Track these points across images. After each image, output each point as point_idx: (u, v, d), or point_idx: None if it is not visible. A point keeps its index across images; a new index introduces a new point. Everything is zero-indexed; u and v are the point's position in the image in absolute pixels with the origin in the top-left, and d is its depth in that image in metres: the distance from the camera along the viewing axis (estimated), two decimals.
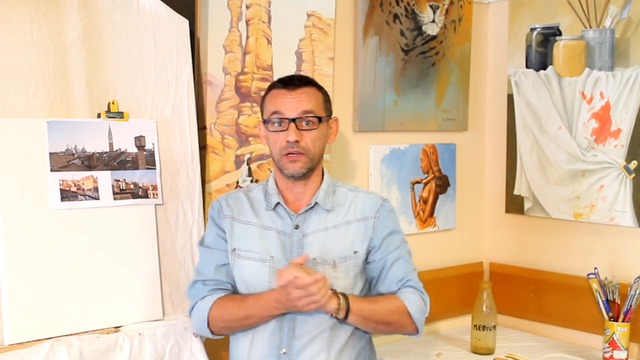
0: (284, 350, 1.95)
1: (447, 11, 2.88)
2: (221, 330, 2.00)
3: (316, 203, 2.00)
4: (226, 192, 2.27)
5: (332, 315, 1.91)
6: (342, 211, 2.02)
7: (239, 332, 2.02)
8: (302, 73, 2.44)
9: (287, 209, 2.00)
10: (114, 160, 2.05)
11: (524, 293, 2.95)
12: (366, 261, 2.02)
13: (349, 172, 2.68)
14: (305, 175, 1.97)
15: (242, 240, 2.00)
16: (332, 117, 2.04)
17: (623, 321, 2.50)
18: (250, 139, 2.35)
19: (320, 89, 2.01)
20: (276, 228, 1.99)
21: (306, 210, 2.00)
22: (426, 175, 2.90)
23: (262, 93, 2.06)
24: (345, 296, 1.91)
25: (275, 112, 1.95)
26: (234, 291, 2.03)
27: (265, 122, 1.98)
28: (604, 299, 2.55)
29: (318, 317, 1.95)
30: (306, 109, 1.94)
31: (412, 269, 2.06)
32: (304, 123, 1.93)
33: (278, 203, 2.00)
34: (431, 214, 2.93)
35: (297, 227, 1.99)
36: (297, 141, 1.92)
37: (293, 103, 1.94)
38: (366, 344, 2.08)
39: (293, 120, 1.92)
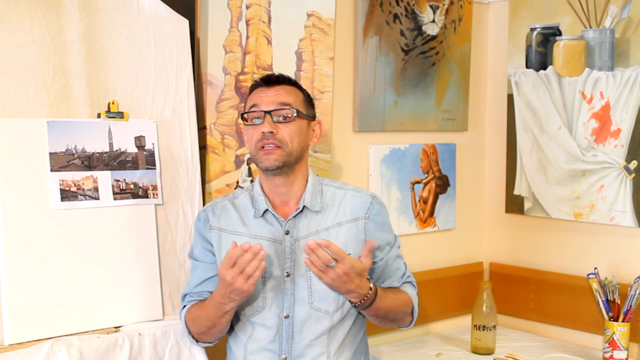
0: (284, 356, 1.95)
1: (447, 11, 2.88)
2: (202, 339, 2.00)
3: (304, 206, 1.97)
4: (225, 192, 2.27)
5: (351, 302, 1.91)
6: (332, 212, 1.99)
7: (233, 339, 2.02)
8: (302, 73, 2.45)
9: (276, 216, 1.97)
10: (114, 160, 2.05)
11: (524, 293, 2.95)
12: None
13: (349, 172, 2.68)
14: (282, 171, 1.94)
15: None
16: (315, 119, 2.02)
17: (623, 321, 2.50)
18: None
19: (301, 89, 2.01)
20: (266, 236, 1.97)
21: (295, 215, 1.97)
22: (426, 175, 2.90)
23: None
24: (375, 289, 1.91)
25: (252, 106, 1.95)
26: None
27: (243, 117, 1.97)
28: (604, 299, 2.55)
29: (316, 321, 1.94)
30: (283, 101, 1.93)
31: (404, 263, 2.10)
32: (281, 117, 1.92)
33: (266, 210, 1.98)
34: (431, 214, 2.93)
35: (287, 232, 1.96)
36: (272, 132, 1.90)
37: (270, 97, 1.93)
38: (362, 339, 2.08)
39: (269, 112, 1.91)
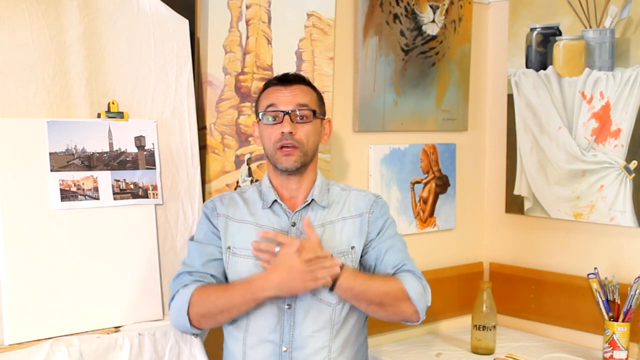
0: (284, 348, 1.95)
1: (447, 11, 2.88)
2: (200, 321, 1.94)
3: (313, 200, 2.01)
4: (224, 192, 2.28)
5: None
6: (337, 208, 2.04)
7: (229, 337, 2.01)
8: (302, 73, 2.44)
9: (283, 207, 2.00)
10: (114, 160, 2.05)
11: (524, 293, 2.95)
12: (362, 254, 2.03)
13: (349, 172, 2.68)
14: (299, 170, 1.98)
15: (237, 238, 2.00)
16: (325, 118, 2.06)
17: (623, 321, 2.50)
18: (250, 139, 2.35)
19: (314, 88, 2.04)
20: (273, 226, 1.99)
21: (303, 207, 2.01)
22: (426, 175, 2.90)
23: None
24: (340, 268, 1.90)
25: (270, 106, 1.97)
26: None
27: (259, 117, 1.99)
28: (604, 299, 2.55)
29: (318, 312, 1.95)
30: (301, 102, 1.96)
31: (408, 256, 2.06)
32: (298, 117, 1.95)
33: (275, 201, 2.01)
34: (431, 214, 2.93)
35: (294, 224, 1.99)
36: (291, 133, 1.93)
37: (288, 97, 1.96)
38: (364, 341, 2.09)
39: (288, 112, 1.94)
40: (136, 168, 2.08)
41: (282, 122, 1.94)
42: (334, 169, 2.60)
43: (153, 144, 2.12)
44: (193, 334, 2.03)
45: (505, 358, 2.61)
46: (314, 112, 1.98)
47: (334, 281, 1.89)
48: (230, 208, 2.03)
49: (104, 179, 2.02)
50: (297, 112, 1.95)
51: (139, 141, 2.09)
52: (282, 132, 1.93)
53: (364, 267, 2.05)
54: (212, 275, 1.99)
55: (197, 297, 1.93)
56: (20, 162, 1.90)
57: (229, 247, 2.00)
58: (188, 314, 1.93)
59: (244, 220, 2.01)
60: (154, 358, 1.99)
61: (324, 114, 2.05)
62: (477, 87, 3.07)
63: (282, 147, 1.95)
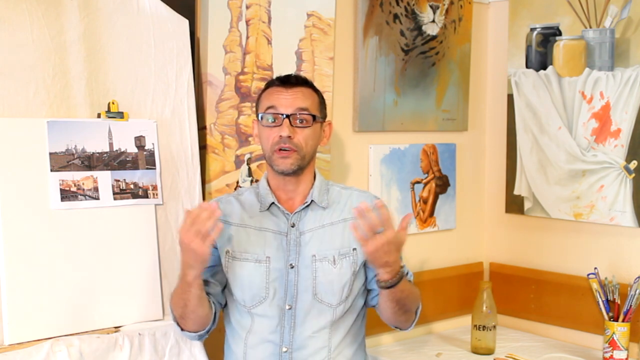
0: (285, 348, 1.95)
1: (447, 11, 2.88)
2: (184, 324, 1.95)
3: (312, 201, 2.00)
4: (226, 192, 2.28)
5: (383, 280, 1.88)
6: (337, 208, 2.03)
7: (232, 337, 2.01)
8: (302, 73, 2.44)
9: (281, 208, 2.00)
10: (114, 160, 2.05)
11: (524, 293, 2.95)
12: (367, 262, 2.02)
13: (349, 172, 2.68)
14: (295, 173, 1.97)
15: (236, 242, 1.99)
16: (326, 120, 2.05)
17: (623, 321, 2.50)
18: (250, 139, 2.36)
19: (316, 91, 2.03)
20: (271, 228, 1.99)
21: (302, 209, 2.00)
22: (426, 175, 2.90)
23: None
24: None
25: (270, 107, 1.96)
26: (219, 292, 2.01)
27: (259, 117, 1.99)
28: (604, 299, 2.55)
29: (319, 313, 1.95)
30: (301, 106, 1.95)
31: (407, 268, 2.07)
32: (297, 121, 1.94)
33: (272, 203, 2.00)
34: (431, 214, 2.93)
35: (293, 225, 1.99)
36: (289, 137, 1.92)
37: (289, 100, 1.95)
38: (362, 340, 2.09)
39: (287, 116, 1.93)
40: (136, 168, 2.08)
41: (281, 125, 1.93)
42: (334, 169, 2.60)
43: (153, 144, 2.12)
44: (200, 338, 2.01)
45: (505, 358, 2.61)
46: (314, 116, 1.96)
47: (399, 279, 1.88)
48: (227, 212, 2.01)
49: (104, 179, 2.02)
50: (297, 116, 1.94)
51: (139, 141, 2.09)
52: (281, 136, 1.93)
53: (367, 274, 2.05)
54: (205, 280, 1.98)
55: (171, 303, 1.96)
56: (20, 162, 1.90)
57: (227, 252, 1.99)
58: (175, 321, 1.96)
59: (241, 224, 2.01)
60: (154, 358, 1.99)
61: (325, 117, 2.04)
62: (477, 87, 3.07)
63: (279, 149, 1.94)
